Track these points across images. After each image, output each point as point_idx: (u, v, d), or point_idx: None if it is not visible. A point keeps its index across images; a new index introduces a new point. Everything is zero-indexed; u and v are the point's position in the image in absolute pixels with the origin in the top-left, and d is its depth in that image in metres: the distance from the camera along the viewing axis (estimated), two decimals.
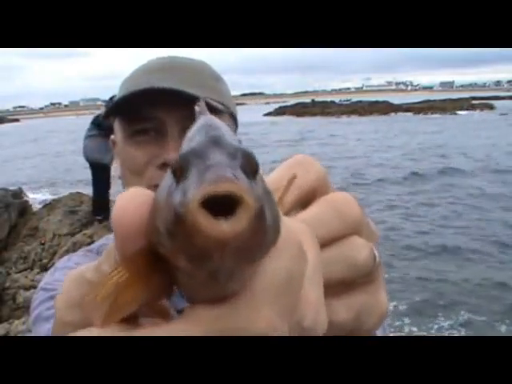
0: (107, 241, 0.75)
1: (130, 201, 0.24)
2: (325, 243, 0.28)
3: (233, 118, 0.67)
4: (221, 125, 0.26)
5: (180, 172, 0.21)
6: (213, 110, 0.58)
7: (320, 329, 0.26)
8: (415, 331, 5.03)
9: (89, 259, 0.67)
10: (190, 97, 0.56)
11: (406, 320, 5.23)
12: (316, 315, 0.25)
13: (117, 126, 0.65)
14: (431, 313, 5.39)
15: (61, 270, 0.66)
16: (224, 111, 0.61)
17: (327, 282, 0.27)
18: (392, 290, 5.48)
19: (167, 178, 0.23)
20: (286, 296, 0.23)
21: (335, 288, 0.29)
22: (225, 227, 0.19)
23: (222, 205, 0.19)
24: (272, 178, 0.30)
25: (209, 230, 0.18)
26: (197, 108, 0.31)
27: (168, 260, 0.21)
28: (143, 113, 0.60)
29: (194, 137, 0.24)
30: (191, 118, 0.60)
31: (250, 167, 0.21)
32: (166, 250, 0.21)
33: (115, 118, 0.65)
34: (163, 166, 0.60)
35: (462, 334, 4.92)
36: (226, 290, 0.22)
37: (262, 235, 0.20)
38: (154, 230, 0.22)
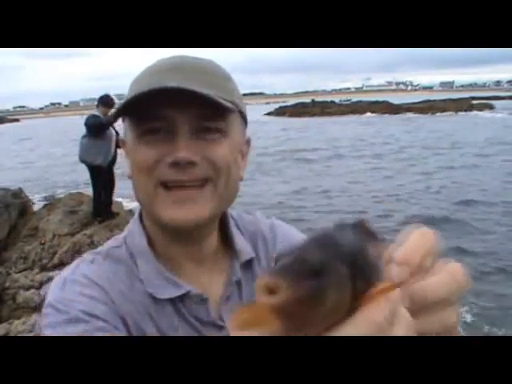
0: (115, 242, 0.70)
1: None
2: (440, 303, 0.35)
3: (243, 117, 0.67)
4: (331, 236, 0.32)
5: None
6: (223, 109, 0.58)
7: None
8: None
9: (97, 266, 0.65)
10: (201, 96, 0.56)
11: None
12: None
13: (126, 125, 0.64)
14: None
15: (71, 285, 0.62)
16: (233, 110, 0.61)
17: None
18: None
19: None
20: None
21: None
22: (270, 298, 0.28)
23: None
24: (407, 248, 0.35)
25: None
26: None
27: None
28: (153, 112, 0.59)
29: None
30: (201, 117, 0.59)
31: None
32: None
33: (124, 118, 0.64)
34: (173, 164, 0.59)
35: None
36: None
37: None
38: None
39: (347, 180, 12.68)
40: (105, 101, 5.83)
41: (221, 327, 0.66)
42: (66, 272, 0.64)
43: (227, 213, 0.73)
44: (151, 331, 0.62)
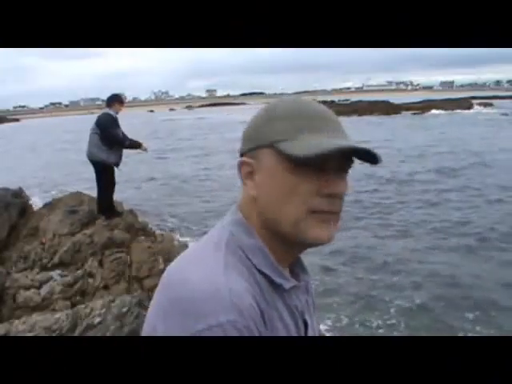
0: (221, 244, 0.71)
1: None
2: None
3: None
4: None
5: None
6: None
7: None
8: None
9: (238, 272, 0.67)
10: (352, 148, 0.68)
11: None
12: None
13: (276, 158, 0.71)
14: None
15: (238, 303, 0.63)
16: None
17: None
18: None
19: None
20: None
21: None
22: None
23: None
24: None
25: None
26: None
27: None
28: (330, 163, 0.69)
29: None
30: (347, 158, 0.70)
31: None
32: None
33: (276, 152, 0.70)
34: (328, 195, 0.70)
35: None
36: None
37: None
38: None
39: None
40: (119, 98, 5.87)
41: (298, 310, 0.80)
42: (219, 293, 0.62)
43: None
44: (277, 323, 0.70)
